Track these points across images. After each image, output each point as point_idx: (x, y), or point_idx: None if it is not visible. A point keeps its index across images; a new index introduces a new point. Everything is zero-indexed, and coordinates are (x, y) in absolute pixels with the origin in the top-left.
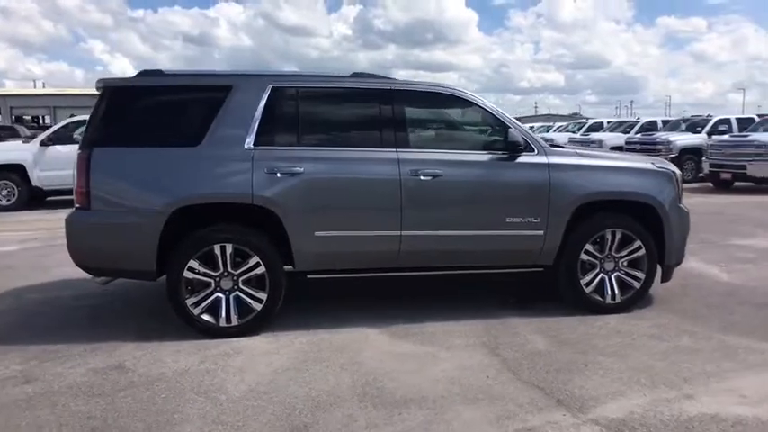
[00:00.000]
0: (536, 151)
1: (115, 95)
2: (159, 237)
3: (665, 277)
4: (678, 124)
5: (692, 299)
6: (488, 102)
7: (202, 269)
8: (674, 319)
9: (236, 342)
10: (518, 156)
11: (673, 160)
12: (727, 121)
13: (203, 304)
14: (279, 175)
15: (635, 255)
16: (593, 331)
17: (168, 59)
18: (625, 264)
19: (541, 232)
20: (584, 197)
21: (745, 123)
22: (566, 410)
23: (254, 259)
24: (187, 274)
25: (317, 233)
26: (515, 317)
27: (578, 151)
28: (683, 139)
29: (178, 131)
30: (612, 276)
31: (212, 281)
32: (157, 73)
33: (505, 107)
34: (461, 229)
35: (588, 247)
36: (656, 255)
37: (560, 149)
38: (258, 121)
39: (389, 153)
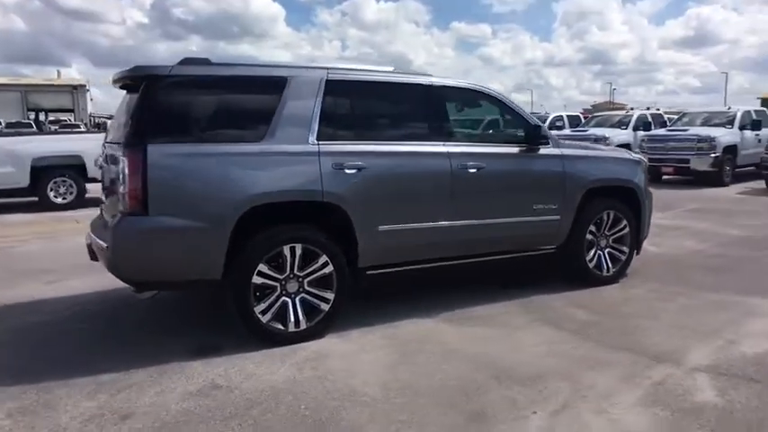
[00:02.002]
0: (551, 144)
1: (163, 86)
2: (228, 241)
3: (638, 250)
4: None
5: (650, 268)
6: (509, 99)
7: (270, 272)
8: (656, 286)
9: (311, 346)
10: (539, 148)
11: None
12: (561, 118)
13: (272, 310)
14: (346, 170)
15: (622, 232)
16: (612, 301)
17: None
18: (613, 241)
19: (558, 217)
20: (590, 183)
21: (572, 120)
22: (669, 365)
23: (323, 258)
24: (256, 279)
25: (380, 228)
26: (537, 295)
27: (578, 144)
28: None
29: (237, 126)
30: (605, 252)
31: (278, 284)
32: (204, 61)
33: None
34: (500, 217)
35: (591, 227)
36: (635, 231)
37: (566, 142)
38: (318, 115)
39: (439, 146)
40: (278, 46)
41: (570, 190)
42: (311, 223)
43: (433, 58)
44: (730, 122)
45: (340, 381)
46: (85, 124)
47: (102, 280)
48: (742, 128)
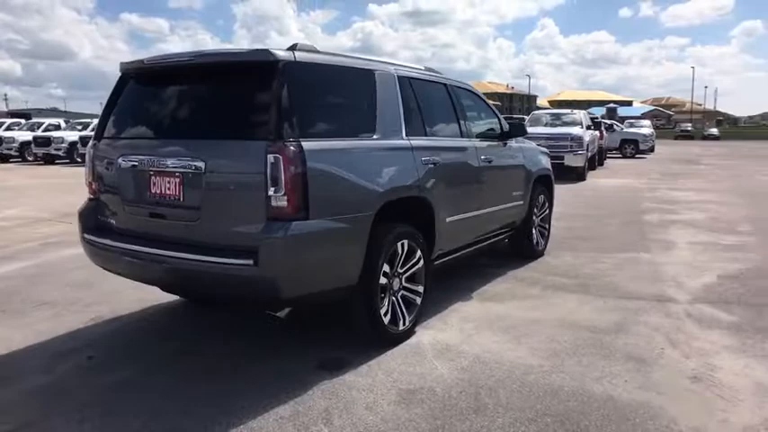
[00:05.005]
0: (513, 139)
1: (293, 74)
2: (367, 241)
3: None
4: None
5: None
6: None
7: (388, 271)
8: (571, 254)
9: (419, 340)
10: (508, 142)
11: None
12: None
13: (389, 311)
14: (429, 165)
15: (545, 213)
16: (566, 268)
17: None
18: (541, 220)
19: (522, 202)
20: (539, 172)
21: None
22: (673, 303)
23: (418, 253)
24: (382, 279)
25: (447, 219)
26: (509, 270)
27: (524, 138)
28: None
29: (355, 120)
30: (537, 230)
31: (388, 283)
32: (313, 50)
33: None
34: (499, 204)
35: (535, 209)
36: (551, 211)
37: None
38: (402, 110)
39: (468, 142)
40: None
41: (528, 178)
42: (402, 219)
43: (101, 51)
44: None
45: (502, 360)
46: None
47: (32, 325)
48: None
